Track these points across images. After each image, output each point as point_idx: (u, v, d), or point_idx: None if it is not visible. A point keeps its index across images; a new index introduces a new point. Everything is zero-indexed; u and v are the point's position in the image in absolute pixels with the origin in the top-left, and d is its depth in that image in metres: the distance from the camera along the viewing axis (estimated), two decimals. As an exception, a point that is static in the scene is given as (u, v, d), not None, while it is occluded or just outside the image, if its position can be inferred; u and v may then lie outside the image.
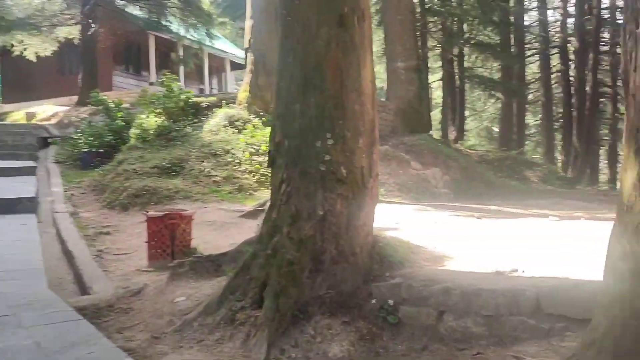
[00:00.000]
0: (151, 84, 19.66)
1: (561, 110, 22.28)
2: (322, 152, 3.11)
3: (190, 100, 10.00)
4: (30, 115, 16.67)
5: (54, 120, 15.21)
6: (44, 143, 12.01)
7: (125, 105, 12.27)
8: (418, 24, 15.24)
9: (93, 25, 15.62)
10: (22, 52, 17.52)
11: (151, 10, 17.55)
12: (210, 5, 20.72)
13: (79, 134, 10.60)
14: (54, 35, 17.44)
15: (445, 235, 4.30)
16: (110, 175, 8.12)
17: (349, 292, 3.10)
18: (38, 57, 17.80)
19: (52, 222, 6.54)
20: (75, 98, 19.37)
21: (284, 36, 3.36)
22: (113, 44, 18.03)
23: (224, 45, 23.84)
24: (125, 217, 7.05)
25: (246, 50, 10.56)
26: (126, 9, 17.86)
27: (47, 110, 16.92)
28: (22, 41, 17.22)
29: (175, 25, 18.68)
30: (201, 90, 24.24)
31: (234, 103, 9.92)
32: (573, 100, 20.56)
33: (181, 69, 21.01)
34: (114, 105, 10.90)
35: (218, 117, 9.33)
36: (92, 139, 10.20)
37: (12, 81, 22.93)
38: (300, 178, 3.13)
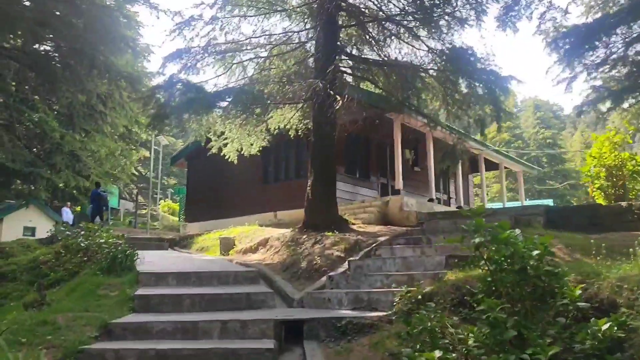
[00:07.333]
0: (430, 199, 12.85)
1: None
2: None
3: None
4: (227, 244, 10.55)
5: (268, 256, 8.68)
6: (296, 334, 5.04)
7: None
8: None
9: (337, 99, 9.40)
10: (220, 149, 12.04)
11: (402, 83, 11.12)
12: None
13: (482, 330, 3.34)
14: (262, 125, 11.70)
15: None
16: None
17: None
18: (240, 158, 12.21)
19: None
20: (285, 214, 13.33)
21: None
22: (340, 136, 11.92)
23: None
24: None
25: None
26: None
27: (251, 236, 10.70)
28: (223, 133, 11.73)
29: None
30: (442, 201, 17.18)
31: None
32: None
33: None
34: (523, 247, 3.58)
35: None
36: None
37: (197, 192, 18.13)
38: None
